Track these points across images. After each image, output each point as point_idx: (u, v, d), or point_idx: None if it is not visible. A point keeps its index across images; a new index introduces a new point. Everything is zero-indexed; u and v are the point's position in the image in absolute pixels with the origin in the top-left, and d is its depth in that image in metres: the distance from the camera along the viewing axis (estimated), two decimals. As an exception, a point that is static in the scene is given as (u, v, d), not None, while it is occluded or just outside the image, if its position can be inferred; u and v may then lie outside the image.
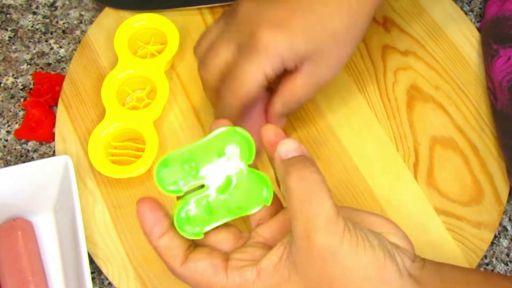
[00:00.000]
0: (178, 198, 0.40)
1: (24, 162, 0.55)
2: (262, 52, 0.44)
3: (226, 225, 0.40)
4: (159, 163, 0.39)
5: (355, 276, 0.35)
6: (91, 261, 0.50)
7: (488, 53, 0.55)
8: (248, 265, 0.37)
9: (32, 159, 0.55)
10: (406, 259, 0.37)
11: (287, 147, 0.37)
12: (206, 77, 0.48)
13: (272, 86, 0.48)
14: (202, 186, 0.40)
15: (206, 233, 0.40)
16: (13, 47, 0.60)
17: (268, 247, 0.39)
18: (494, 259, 0.52)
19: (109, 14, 0.60)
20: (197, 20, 0.60)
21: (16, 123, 0.57)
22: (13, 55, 0.59)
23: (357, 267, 0.35)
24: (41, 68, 0.59)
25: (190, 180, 0.39)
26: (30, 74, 0.58)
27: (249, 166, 0.40)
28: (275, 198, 0.41)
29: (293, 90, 0.47)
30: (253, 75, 0.44)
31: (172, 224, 0.39)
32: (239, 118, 0.47)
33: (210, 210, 0.39)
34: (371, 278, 0.35)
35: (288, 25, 0.44)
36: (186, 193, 0.40)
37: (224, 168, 0.40)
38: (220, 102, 0.47)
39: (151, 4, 0.59)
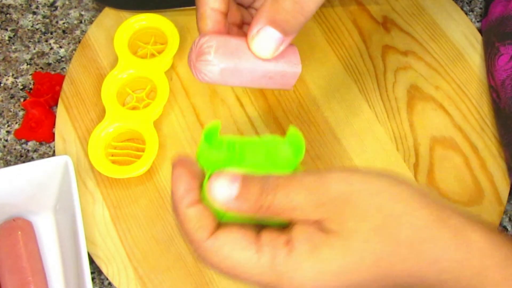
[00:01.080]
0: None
1: (24, 162, 0.55)
2: None
3: None
4: (211, 128, 0.35)
5: (378, 204, 0.33)
6: (91, 261, 0.50)
7: (491, 52, 0.55)
8: (280, 235, 0.33)
9: (32, 159, 0.55)
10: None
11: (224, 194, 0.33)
12: None
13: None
14: None
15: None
16: (13, 47, 0.60)
17: None
18: (494, 259, 0.52)
19: (109, 14, 0.60)
20: (197, 20, 0.60)
21: (16, 123, 0.57)
22: (13, 55, 0.59)
23: (376, 193, 0.33)
24: (41, 68, 0.59)
25: (231, 164, 0.35)
26: (30, 74, 0.58)
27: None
28: None
29: None
30: None
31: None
32: None
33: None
34: (394, 196, 0.33)
35: None
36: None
37: (269, 168, 0.36)
38: None
39: (151, 4, 0.59)
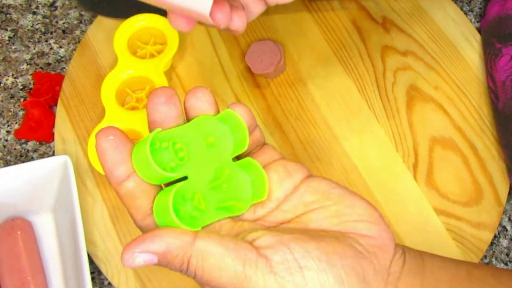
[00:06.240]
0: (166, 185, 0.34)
1: (24, 162, 0.55)
2: None
3: None
4: (150, 140, 0.31)
5: None
6: (91, 261, 0.51)
7: (491, 53, 0.55)
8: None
9: (32, 159, 0.55)
10: (375, 263, 0.33)
11: None
12: None
13: None
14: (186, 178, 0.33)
15: None
16: (13, 47, 0.60)
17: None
18: (493, 259, 0.52)
19: (109, 14, 0.60)
20: (196, 20, 0.60)
21: (16, 123, 0.57)
22: (13, 55, 0.59)
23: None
24: (41, 68, 0.59)
25: (179, 165, 0.32)
26: (30, 74, 0.58)
27: (241, 156, 0.35)
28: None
29: None
30: None
31: None
32: None
33: (198, 208, 0.33)
34: None
35: None
36: (172, 183, 0.33)
37: (213, 158, 0.33)
38: None
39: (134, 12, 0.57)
